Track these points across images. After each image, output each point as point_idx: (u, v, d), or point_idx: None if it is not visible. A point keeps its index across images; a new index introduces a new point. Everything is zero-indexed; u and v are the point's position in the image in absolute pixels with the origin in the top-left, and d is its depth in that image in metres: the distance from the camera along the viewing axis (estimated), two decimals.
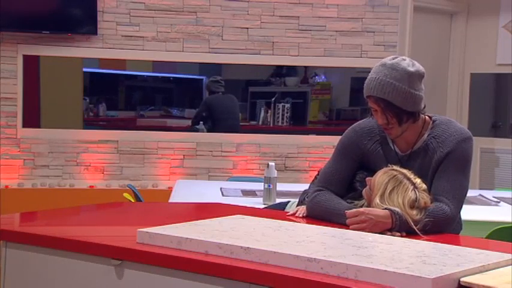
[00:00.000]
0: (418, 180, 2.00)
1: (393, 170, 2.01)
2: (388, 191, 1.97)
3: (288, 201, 2.51)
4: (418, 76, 2.04)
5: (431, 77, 5.55)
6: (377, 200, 1.97)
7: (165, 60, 5.38)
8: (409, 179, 1.99)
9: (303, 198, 2.31)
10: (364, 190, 2.09)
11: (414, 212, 1.94)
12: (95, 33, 5.07)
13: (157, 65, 5.61)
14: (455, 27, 5.83)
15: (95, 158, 5.22)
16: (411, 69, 2.02)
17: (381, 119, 2.06)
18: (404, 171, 2.02)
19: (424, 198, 1.98)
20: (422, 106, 2.07)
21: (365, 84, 2.06)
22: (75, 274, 1.79)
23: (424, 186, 2.00)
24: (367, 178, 2.07)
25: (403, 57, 2.08)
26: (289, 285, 1.47)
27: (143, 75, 5.83)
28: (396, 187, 1.98)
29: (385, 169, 2.02)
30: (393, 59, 2.06)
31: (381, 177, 2.01)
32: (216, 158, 5.40)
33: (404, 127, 2.07)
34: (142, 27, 5.23)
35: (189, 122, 5.76)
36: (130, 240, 1.75)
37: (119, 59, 5.28)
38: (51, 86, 5.19)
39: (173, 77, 5.96)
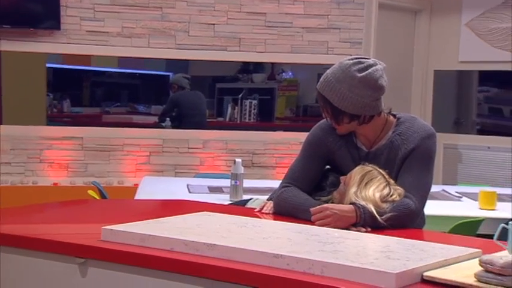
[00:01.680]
0: (392, 181, 2.03)
1: (369, 166, 2.04)
2: (364, 183, 1.99)
3: (250, 198, 2.51)
4: (365, 83, 2.03)
5: (396, 74, 5.62)
6: (352, 191, 1.99)
7: (131, 56, 5.32)
8: (383, 176, 2.02)
9: (271, 196, 2.31)
10: (335, 192, 2.11)
11: (385, 205, 1.96)
12: (58, 28, 4.98)
13: (122, 60, 5.54)
14: (419, 24, 5.91)
15: (58, 155, 5.14)
16: (358, 74, 2.03)
17: (323, 115, 2.12)
18: (380, 169, 2.04)
19: (399, 193, 2.00)
20: (372, 111, 2.07)
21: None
22: (38, 273, 1.75)
23: (399, 188, 2.02)
24: (342, 177, 2.09)
25: (367, 60, 2.06)
26: (254, 282, 1.47)
27: (108, 71, 5.76)
28: (371, 181, 2.00)
29: (361, 166, 2.05)
30: (353, 59, 2.07)
31: (357, 171, 2.04)
32: (182, 154, 5.37)
33: (349, 127, 2.10)
34: (107, 22, 5.16)
35: (155, 119, 5.71)
36: (94, 238, 1.72)
37: (83, 54, 5.20)
38: (13, 81, 5.08)
39: (139, 73, 5.91)
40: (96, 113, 5.63)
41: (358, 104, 2.04)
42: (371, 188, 1.98)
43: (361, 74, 2.03)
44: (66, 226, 1.97)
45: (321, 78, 2.10)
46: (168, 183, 3.90)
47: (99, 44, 5.14)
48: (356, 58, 2.08)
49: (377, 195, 1.97)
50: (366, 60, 2.07)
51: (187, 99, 5.74)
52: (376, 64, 2.07)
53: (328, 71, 2.10)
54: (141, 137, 5.33)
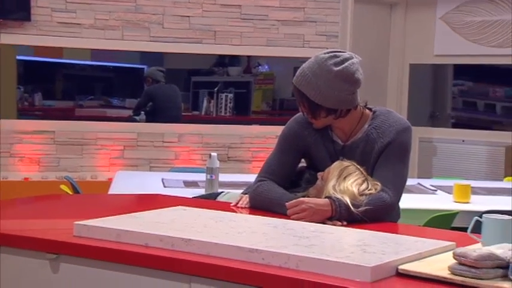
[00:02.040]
0: (369, 177, 2.05)
1: (347, 162, 2.06)
2: (343, 177, 2.01)
3: (222, 192, 2.51)
4: (342, 77, 2.04)
5: (372, 67, 5.66)
6: (330, 184, 2.00)
7: (104, 49, 5.27)
8: (361, 171, 2.04)
9: (247, 190, 2.31)
10: (312, 188, 2.12)
11: (362, 198, 1.98)
12: (29, 19, 4.90)
13: (95, 53, 5.48)
14: (394, 18, 5.96)
15: (30, 149, 5.07)
16: (335, 68, 2.03)
17: (300, 109, 2.13)
18: (358, 166, 2.07)
19: (376, 188, 2.02)
20: (348, 105, 2.09)
21: None
22: (8, 269, 1.73)
23: (377, 183, 2.04)
24: (319, 173, 2.10)
25: (343, 53, 2.07)
26: (230, 277, 1.47)
27: (81, 64, 5.69)
28: (350, 175, 2.02)
29: (339, 161, 2.07)
30: (329, 53, 2.08)
31: (335, 166, 2.06)
32: (157, 148, 5.34)
33: (326, 121, 2.11)
34: (79, 14, 5.10)
35: (129, 112, 5.67)
36: (66, 234, 1.71)
37: (54, 46, 5.13)
38: None
39: (113, 66, 5.85)
40: (68, 106, 5.56)
41: (335, 98, 2.05)
42: (349, 181, 2.00)
43: (338, 68, 2.04)
44: (37, 222, 1.95)
45: (297, 73, 2.11)
46: (142, 177, 3.88)
47: (71, 36, 5.08)
48: (332, 52, 2.09)
49: (355, 188, 1.99)
50: (342, 53, 2.08)
51: (162, 92, 5.70)
52: (352, 57, 2.08)
53: (304, 65, 2.11)
54: (115, 130, 5.29)
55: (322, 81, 2.04)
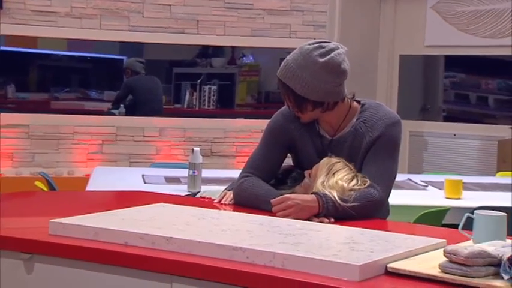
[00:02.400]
0: (359, 174, 2.06)
1: (336, 159, 2.07)
2: (332, 173, 2.02)
3: (198, 191, 2.51)
4: (328, 68, 2.04)
5: (361, 58, 5.68)
6: (319, 181, 2.01)
7: (81, 39, 5.23)
8: (350, 168, 2.06)
9: (231, 186, 2.31)
10: (299, 186, 2.12)
11: (351, 193, 1.99)
12: (0, 6, 4.85)
13: (72, 43, 5.45)
14: (384, 7, 5.98)
15: (2, 144, 5.03)
16: (320, 59, 2.03)
17: (285, 103, 2.13)
18: (346, 162, 2.08)
19: (365, 184, 2.04)
20: (335, 97, 2.09)
21: None
22: None
23: (366, 179, 2.05)
24: (307, 171, 2.11)
25: (328, 44, 2.07)
26: (213, 276, 1.48)
27: (57, 55, 5.64)
28: (339, 171, 2.03)
29: (328, 158, 2.08)
30: (314, 44, 2.08)
31: (324, 162, 2.07)
32: (137, 143, 5.33)
33: (313, 115, 2.12)
34: (55, 1, 5.05)
35: (108, 105, 5.65)
36: (41, 232, 1.70)
37: (28, 36, 5.09)
38: None
39: (90, 57, 5.81)
40: (43, 99, 5.52)
41: (321, 90, 2.06)
42: (338, 177, 2.01)
43: (323, 59, 2.04)
44: (10, 220, 1.93)
45: (281, 65, 2.11)
46: (122, 173, 3.87)
47: (46, 25, 5.04)
48: (317, 42, 2.09)
49: (345, 184, 2.00)
50: (327, 44, 2.09)
51: (142, 84, 5.68)
52: (337, 48, 2.08)
53: (288, 57, 2.11)
54: (93, 124, 5.26)
55: (308, 74, 2.04)
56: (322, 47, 2.06)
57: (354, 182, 2.03)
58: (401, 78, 5.98)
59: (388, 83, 6.00)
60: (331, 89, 2.06)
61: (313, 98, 2.07)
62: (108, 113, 5.57)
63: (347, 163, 2.07)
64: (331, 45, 2.08)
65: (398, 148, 2.14)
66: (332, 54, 2.05)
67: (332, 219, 1.96)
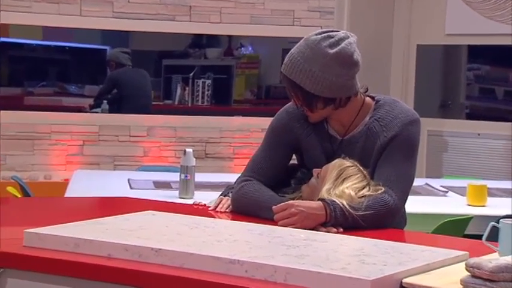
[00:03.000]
0: (372, 182, 2.07)
1: (349, 161, 2.08)
2: (341, 180, 2.02)
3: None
4: (340, 60, 2.05)
5: (373, 49, 5.69)
6: (325, 188, 2.02)
7: (59, 26, 5.23)
8: (364, 175, 2.06)
9: (227, 191, 2.32)
10: (305, 185, 2.13)
11: (361, 200, 2.00)
12: None
13: (48, 31, 5.45)
14: None
15: None
16: (330, 50, 2.04)
17: (292, 101, 2.13)
18: (361, 168, 2.08)
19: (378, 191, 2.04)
20: (349, 92, 2.10)
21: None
22: None
23: (380, 188, 2.06)
24: (315, 170, 2.11)
25: (337, 33, 2.08)
26: None
27: (31, 44, 5.65)
28: (349, 177, 2.04)
29: (340, 159, 2.09)
30: (321, 33, 2.08)
31: (335, 165, 2.07)
32: (123, 143, 5.33)
33: (324, 113, 2.12)
34: None
35: (90, 101, 5.66)
36: (15, 244, 1.70)
37: None
38: None
39: (69, 47, 5.82)
40: (16, 94, 5.53)
41: (333, 85, 2.06)
42: (347, 184, 2.01)
43: (333, 50, 2.05)
44: None
45: (286, 60, 2.10)
46: (105, 177, 3.88)
47: (19, 11, 5.04)
48: (324, 32, 2.09)
49: (352, 193, 2.00)
50: (336, 33, 2.09)
51: (128, 78, 5.70)
52: (347, 37, 2.09)
53: (292, 49, 2.11)
54: (73, 123, 5.27)
55: (317, 67, 2.05)
56: (330, 37, 2.07)
57: (365, 190, 2.03)
58: (418, 71, 5.99)
59: (403, 76, 6.00)
60: (343, 83, 2.07)
61: (325, 95, 2.07)
62: (89, 110, 5.58)
63: (361, 168, 2.07)
64: (341, 34, 2.09)
65: (417, 149, 2.15)
66: (343, 44, 2.06)
67: (341, 229, 1.96)
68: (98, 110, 5.57)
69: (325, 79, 2.05)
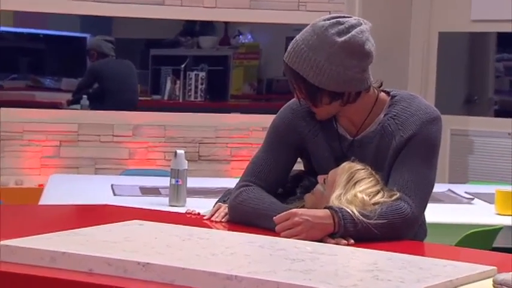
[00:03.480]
0: (386, 188, 2.08)
1: (360, 165, 2.09)
2: (353, 183, 2.03)
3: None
4: (349, 49, 2.05)
5: (389, 38, 5.70)
6: (335, 194, 2.03)
7: (31, 11, 5.24)
8: (377, 179, 2.07)
9: (225, 198, 2.33)
10: (309, 194, 2.14)
11: (374, 207, 2.01)
12: None
13: (20, 17, 5.46)
14: None
15: None
16: (338, 38, 2.05)
17: (295, 95, 2.15)
18: (373, 171, 2.09)
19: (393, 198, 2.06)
20: (358, 86, 2.10)
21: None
22: None
23: (396, 193, 2.07)
24: (320, 176, 2.12)
25: (348, 19, 2.09)
26: None
27: (0, 31, 5.65)
28: (361, 181, 2.05)
29: (349, 162, 2.09)
30: (330, 19, 2.09)
31: (344, 168, 2.08)
32: (105, 144, 5.34)
33: (330, 109, 2.13)
34: None
35: (68, 96, 5.66)
36: None
37: None
38: None
39: (44, 35, 5.83)
40: None
41: (340, 77, 2.07)
42: (359, 189, 2.02)
43: (342, 38, 2.06)
44: None
45: (289, 48, 2.12)
46: (85, 183, 3.89)
47: None
48: (333, 18, 2.10)
49: (366, 198, 2.01)
50: (347, 19, 2.10)
51: (111, 70, 5.71)
52: (359, 24, 2.10)
53: (297, 37, 2.12)
54: (48, 121, 5.28)
55: (323, 57, 2.06)
56: (340, 23, 2.08)
57: (379, 196, 2.04)
58: (440, 62, 5.99)
59: (423, 68, 6.01)
60: (353, 76, 2.08)
61: (331, 88, 2.08)
62: (67, 106, 5.59)
63: (373, 172, 2.08)
64: (352, 20, 2.10)
65: (437, 151, 2.16)
66: (353, 32, 2.07)
67: (351, 241, 1.97)
68: (77, 106, 5.58)
69: (331, 70, 2.06)
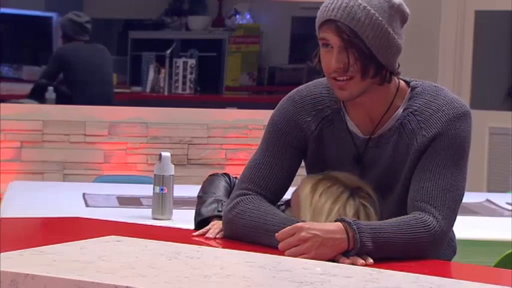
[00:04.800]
0: (369, 190, 2.11)
1: (322, 175, 2.15)
2: (317, 203, 2.09)
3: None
4: (401, 15, 2.12)
5: (415, 17, 5.66)
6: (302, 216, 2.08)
7: None
8: (347, 185, 2.11)
9: (215, 212, 2.35)
10: (287, 211, 2.19)
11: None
12: None
13: None
14: None
15: None
16: (396, 0, 2.12)
17: (335, 61, 2.10)
18: (342, 175, 2.13)
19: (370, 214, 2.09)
20: (395, 64, 2.14)
21: (324, 5, 2.12)
22: None
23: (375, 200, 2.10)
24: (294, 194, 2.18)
25: None
26: None
27: None
28: (326, 191, 2.10)
29: (311, 189, 2.13)
30: None
31: (305, 194, 2.13)
32: (75, 145, 5.35)
33: (365, 85, 2.12)
34: None
35: (29, 88, 5.67)
36: None
37: None
38: None
39: (2, 14, 5.84)
40: None
41: (394, 48, 2.11)
42: (325, 206, 2.08)
43: (398, 1, 2.12)
44: None
45: (342, 3, 2.09)
46: (52, 191, 3.88)
47: None
48: None
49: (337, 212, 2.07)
50: None
51: (82, 56, 5.69)
52: None
53: None
54: (7, 117, 5.28)
55: (386, 18, 2.09)
56: None
57: (350, 210, 2.08)
58: (476, 48, 6.00)
59: (456, 55, 6.01)
60: (400, 49, 2.13)
61: (384, 57, 2.10)
62: (29, 99, 5.59)
63: (342, 177, 2.12)
64: None
65: (467, 153, 2.16)
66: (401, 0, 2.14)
67: (370, 260, 1.99)
68: (42, 99, 5.58)
69: (390, 35, 2.09)
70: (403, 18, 2.13)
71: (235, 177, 2.51)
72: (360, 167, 2.19)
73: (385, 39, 2.09)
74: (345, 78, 2.10)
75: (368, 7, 2.08)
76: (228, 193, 2.38)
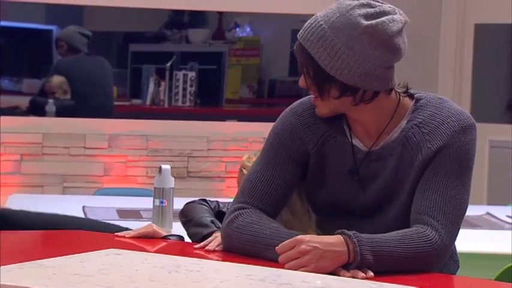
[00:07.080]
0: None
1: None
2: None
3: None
4: (374, 37, 2.06)
5: (415, 29, 5.68)
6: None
7: None
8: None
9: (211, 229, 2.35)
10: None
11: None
12: None
13: None
14: None
15: None
16: (364, 22, 2.05)
17: (300, 80, 2.16)
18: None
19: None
20: (377, 85, 2.10)
21: None
22: None
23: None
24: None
25: (382, 4, 2.09)
26: None
27: None
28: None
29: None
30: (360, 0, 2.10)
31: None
32: (75, 158, 5.35)
33: (337, 105, 2.13)
34: None
35: (30, 100, 5.66)
36: None
37: None
38: None
39: (2, 27, 5.85)
40: None
41: (357, 68, 2.08)
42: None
43: (369, 22, 2.06)
44: None
45: (307, 24, 2.12)
46: (52, 204, 3.89)
47: None
48: (366, 0, 2.10)
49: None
50: (380, 4, 2.10)
51: (82, 69, 5.70)
52: (394, 12, 2.10)
53: (318, 13, 2.12)
54: (7, 130, 5.28)
55: (343, 39, 2.06)
56: (370, 6, 2.08)
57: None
58: (476, 60, 6.00)
59: (456, 67, 6.01)
60: (371, 70, 2.08)
61: (343, 79, 2.09)
62: (29, 112, 5.60)
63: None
64: (386, 7, 2.10)
65: (471, 166, 2.16)
66: (383, 19, 2.07)
67: (370, 273, 1.98)
68: (42, 112, 5.58)
69: (348, 57, 2.07)
70: (380, 39, 2.06)
71: (216, 201, 2.54)
72: (356, 180, 2.18)
73: (341, 60, 2.07)
74: (313, 96, 2.16)
75: (326, 28, 2.08)
76: (212, 216, 2.45)
